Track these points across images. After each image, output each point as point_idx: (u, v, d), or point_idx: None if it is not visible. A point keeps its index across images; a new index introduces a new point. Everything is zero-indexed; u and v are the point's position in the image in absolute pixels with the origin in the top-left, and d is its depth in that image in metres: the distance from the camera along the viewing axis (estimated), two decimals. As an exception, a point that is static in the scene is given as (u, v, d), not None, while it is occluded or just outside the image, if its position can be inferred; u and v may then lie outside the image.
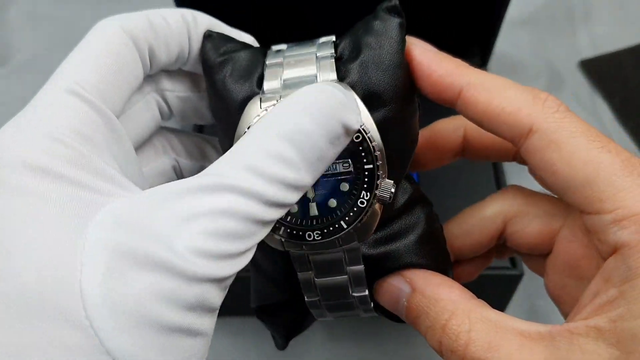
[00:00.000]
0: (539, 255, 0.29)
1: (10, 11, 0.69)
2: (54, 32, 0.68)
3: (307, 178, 0.21)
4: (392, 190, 0.24)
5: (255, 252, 0.23)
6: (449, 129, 0.31)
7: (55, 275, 0.19)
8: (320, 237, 0.24)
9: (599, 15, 0.69)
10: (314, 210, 0.24)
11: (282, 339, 0.30)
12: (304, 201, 0.24)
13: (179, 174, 0.30)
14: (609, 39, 0.66)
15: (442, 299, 0.24)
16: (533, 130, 0.23)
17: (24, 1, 0.70)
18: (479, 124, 0.25)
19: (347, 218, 0.24)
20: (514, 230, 0.29)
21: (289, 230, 0.24)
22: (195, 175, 0.21)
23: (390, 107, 0.24)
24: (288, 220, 0.24)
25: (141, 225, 0.20)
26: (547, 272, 0.28)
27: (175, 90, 0.29)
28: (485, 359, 0.21)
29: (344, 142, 0.22)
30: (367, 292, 0.26)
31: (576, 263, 0.26)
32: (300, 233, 0.24)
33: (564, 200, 0.24)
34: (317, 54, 0.25)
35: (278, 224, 0.24)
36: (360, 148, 0.24)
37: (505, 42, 0.62)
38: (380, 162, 0.24)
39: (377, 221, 0.25)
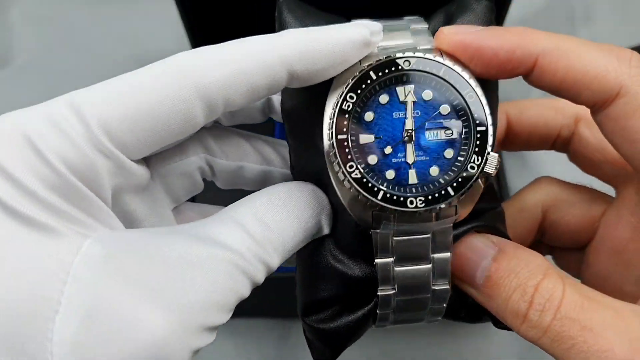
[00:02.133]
0: (576, 250, 0.28)
1: (11, 13, 0.69)
2: (55, 33, 0.68)
3: (278, 263, 0.23)
4: (497, 164, 0.23)
5: (325, 240, 0.25)
6: None
7: (28, 311, 0.18)
8: (423, 205, 0.22)
9: (599, 16, 0.68)
10: (413, 177, 0.23)
11: (329, 352, 0.26)
12: (401, 167, 0.23)
13: (209, 175, 0.29)
14: (610, 39, 0.66)
15: (534, 261, 0.23)
16: (621, 94, 0.21)
17: (25, 3, 0.70)
18: (557, 91, 0.23)
19: (454, 184, 0.22)
20: (554, 219, 0.28)
21: (388, 196, 0.22)
22: (188, 235, 0.21)
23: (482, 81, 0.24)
24: (385, 185, 0.22)
25: (127, 280, 0.19)
26: (587, 263, 0.27)
27: (225, 158, 0.28)
28: (578, 319, 0.20)
29: (311, 238, 0.24)
30: (448, 286, 0.24)
31: (623, 247, 0.26)
32: (402, 199, 0.22)
33: (635, 169, 0.23)
34: (411, 26, 0.25)
35: (376, 188, 0.22)
36: (472, 108, 0.22)
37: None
38: (492, 124, 0.22)
39: (478, 197, 0.23)
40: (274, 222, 0.22)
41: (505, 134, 0.30)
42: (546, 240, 0.29)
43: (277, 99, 0.28)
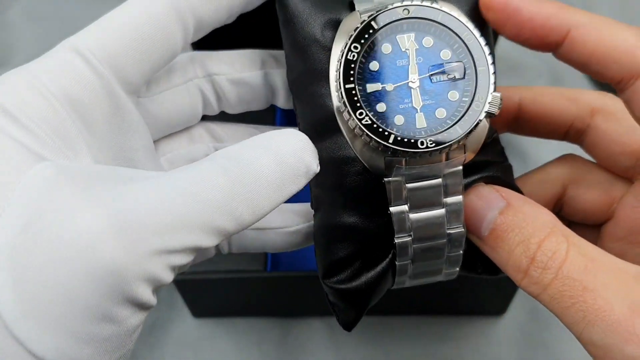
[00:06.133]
0: (592, 226, 0.29)
1: (10, 11, 0.69)
2: (54, 32, 0.67)
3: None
4: (501, 103, 0.23)
5: (336, 199, 0.24)
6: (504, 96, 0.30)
7: None
8: (433, 145, 0.23)
9: (599, 14, 0.68)
10: (421, 121, 0.24)
11: (352, 312, 0.27)
12: (409, 112, 0.24)
13: None
14: (610, 39, 0.66)
15: (540, 217, 0.23)
16: None
17: (24, 1, 0.70)
18: (585, 64, 0.24)
19: (461, 122, 0.23)
20: (572, 195, 0.29)
21: (399, 139, 0.23)
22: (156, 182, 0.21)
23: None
24: (395, 130, 0.23)
25: (72, 191, 0.19)
26: (602, 240, 0.28)
27: (226, 73, 0.28)
28: (580, 279, 0.21)
29: (301, 185, 0.24)
30: (463, 229, 0.25)
31: (639, 231, 0.27)
32: (412, 141, 0.23)
33: None
34: None
35: (387, 133, 0.23)
36: (472, 50, 0.24)
37: (506, 42, 0.61)
38: (492, 64, 0.24)
39: (485, 135, 0.24)
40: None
41: (515, 117, 0.30)
42: (564, 213, 0.30)
43: (278, 80, 0.29)
